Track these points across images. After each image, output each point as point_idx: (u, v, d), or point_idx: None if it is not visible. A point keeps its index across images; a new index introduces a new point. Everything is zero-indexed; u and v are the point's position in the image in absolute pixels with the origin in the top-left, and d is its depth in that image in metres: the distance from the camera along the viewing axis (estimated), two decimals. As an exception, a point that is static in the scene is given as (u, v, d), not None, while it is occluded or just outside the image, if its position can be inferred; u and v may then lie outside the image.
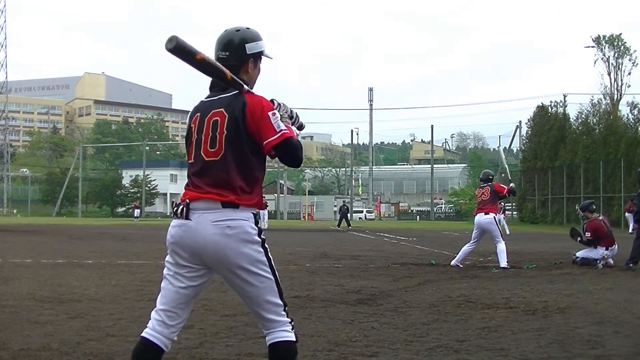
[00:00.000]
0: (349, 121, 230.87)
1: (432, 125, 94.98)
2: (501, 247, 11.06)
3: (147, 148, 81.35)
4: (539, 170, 44.54)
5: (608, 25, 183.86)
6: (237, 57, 3.13)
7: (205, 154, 3.05)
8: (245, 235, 2.98)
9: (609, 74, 52.54)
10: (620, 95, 52.19)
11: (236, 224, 2.97)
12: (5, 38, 72.81)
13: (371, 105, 71.01)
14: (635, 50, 52.92)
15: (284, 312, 3.09)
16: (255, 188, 3.07)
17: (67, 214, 65.33)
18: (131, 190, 68.57)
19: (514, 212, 48.61)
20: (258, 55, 3.19)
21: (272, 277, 3.07)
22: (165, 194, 72.49)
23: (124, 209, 66.51)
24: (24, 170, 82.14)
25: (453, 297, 7.46)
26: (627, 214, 26.86)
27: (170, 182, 73.73)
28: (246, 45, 3.13)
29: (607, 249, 11.11)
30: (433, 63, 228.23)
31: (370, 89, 71.28)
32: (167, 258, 3.11)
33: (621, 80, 52.51)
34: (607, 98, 50.40)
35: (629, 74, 52.44)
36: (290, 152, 3.00)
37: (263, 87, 3.30)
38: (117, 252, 14.45)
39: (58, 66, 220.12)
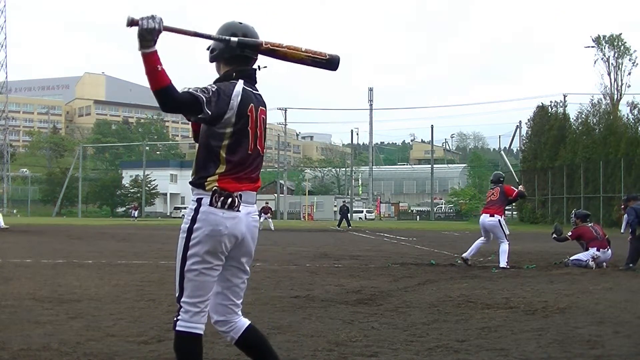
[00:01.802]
0: (349, 121, 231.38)
1: (432, 125, 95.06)
2: (504, 247, 11.11)
3: (147, 148, 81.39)
4: (539, 170, 44.55)
5: (608, 25, 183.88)
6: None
7: (261, 149, 3.19)
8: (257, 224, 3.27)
9: (609, 74, 52.68)
10: (620, 95, 52.31)
11: (257, 216, 3.24)
12: (5, 38, 72.58)
13: (371, 105, 71.09)
14: (635, 50, 53.15)
15: None
16: None
17: (67, 214, 65.35)
18: (131, 190, 68.61)
19: (514, 212, 48.63)
20: None
21: None
22: (165, 194, 72.52)
23: (124, 209, 66.55)
24: (24, 170, 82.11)
25: (453, 297, 7.46)
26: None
27: (170, 182, 73.75)
28: None
29: (598, 250, 11.15)
30: (433, 63, 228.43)
31: (370, 89, 71.37)
32: (205, 251, 3.03)
33: (621, 80, 52.66)
34: (607, 98, 50.45)
35: (629, 74, 52.64)
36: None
37: (262, 86, 3.29)
38: (117, 252, 14.44)
39: (58, 66, 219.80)
